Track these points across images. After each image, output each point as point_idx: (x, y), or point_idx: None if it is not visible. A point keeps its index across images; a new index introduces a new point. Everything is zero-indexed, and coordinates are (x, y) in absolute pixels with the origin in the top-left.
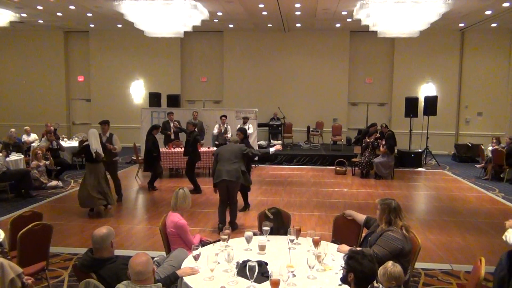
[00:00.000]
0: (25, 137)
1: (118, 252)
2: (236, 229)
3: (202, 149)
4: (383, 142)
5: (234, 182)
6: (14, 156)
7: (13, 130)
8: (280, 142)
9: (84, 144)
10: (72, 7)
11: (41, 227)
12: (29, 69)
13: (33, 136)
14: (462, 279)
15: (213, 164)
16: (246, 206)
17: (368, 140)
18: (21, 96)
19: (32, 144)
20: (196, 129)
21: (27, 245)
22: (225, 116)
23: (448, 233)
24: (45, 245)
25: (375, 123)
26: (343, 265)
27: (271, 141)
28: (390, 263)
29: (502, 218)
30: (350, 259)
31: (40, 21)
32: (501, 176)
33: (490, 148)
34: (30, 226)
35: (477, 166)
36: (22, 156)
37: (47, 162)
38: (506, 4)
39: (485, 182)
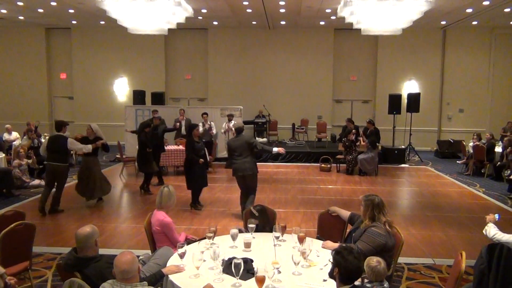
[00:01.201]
0: (6, 136)
1: (102, 251)
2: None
3: None
4: (364, 138)
5: (250, 175)
6: None
7: None
8: (265, 139)
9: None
10: (53, 3)
11: (24, 226)
12: (9, 67)
13: (15, 135)
14: (444, 273)
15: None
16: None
17: (350, 139)
18: (2, 94)
19: (14, 143)
20: (160, 123)
21: (9, 245)
22: (206, 114)
23: (430, 228)
24: (28, 245)
25: (350, 118)
26: (331, 260)
27: (256, 138)
28: (375, 259)
29: (482, 213)
30: (337, 254)
31: (21, 18)
32: (482, 171)
33: (471, 144)
34: (12, 225)
35: (459, 162)
36: (3, 155)
37: (30, 161)
38: (486, 3)
39: (467, 178)
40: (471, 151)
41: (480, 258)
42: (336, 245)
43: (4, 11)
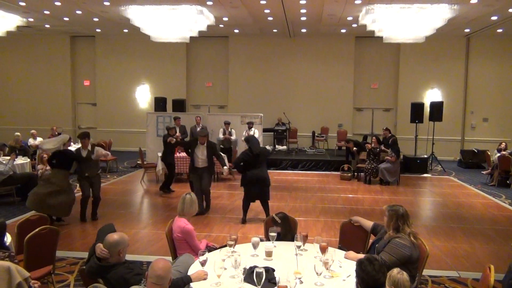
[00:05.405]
0: (31, 141)
1: None
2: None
3: None
4: (388, 149)
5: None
6: (20, 160)
7: (17, 134)
8: (285, 147)
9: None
10: (78, 12)
11: (48, 231)
12: (35, 73)
13: (39, 140)
14: (470, 287)
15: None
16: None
17: (368, 148)
18: (28, 100)
19: None
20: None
21: (33, 249)
22: (228, 123)
23: (454, 239)
24: (52, 249)
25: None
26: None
27: (276, 146)
28: (396, 270)
29: (508, 225)
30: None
31: (47, 26)
32: (508, 182)
33: (497, 154)
34: (37, 230)
35: (483, 172)
36: (28, 159)
37: None
38: (511, 10)
39: (492, 188)
40: (496, 161)
41: (509, 273)
42: (359, 255)
43: (31, 19)
